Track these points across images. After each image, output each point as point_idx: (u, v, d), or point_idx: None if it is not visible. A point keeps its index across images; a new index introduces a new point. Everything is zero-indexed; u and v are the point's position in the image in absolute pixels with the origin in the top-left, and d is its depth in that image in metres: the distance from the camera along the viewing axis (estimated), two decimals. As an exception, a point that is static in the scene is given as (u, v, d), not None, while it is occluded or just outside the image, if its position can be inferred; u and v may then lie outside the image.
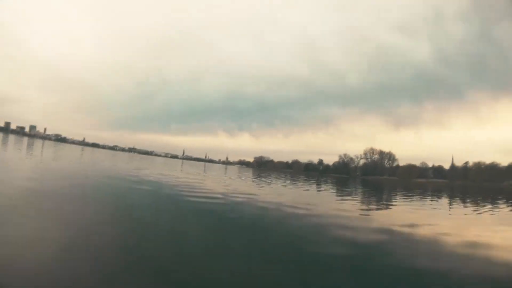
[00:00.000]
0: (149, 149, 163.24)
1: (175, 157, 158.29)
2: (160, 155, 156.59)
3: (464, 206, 14.93)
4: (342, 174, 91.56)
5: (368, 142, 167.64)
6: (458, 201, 18.75)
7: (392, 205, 14.72)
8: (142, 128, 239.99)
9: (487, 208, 13.49)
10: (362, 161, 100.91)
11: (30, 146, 41.39)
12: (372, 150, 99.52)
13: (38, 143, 60.67)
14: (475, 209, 13.14)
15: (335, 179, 50.86)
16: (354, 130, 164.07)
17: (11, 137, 66.87)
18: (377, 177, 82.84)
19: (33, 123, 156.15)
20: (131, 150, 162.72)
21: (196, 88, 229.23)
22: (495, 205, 15.07)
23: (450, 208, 13.87)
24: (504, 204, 15.56)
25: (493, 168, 73.89)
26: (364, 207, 12.87)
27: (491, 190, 36.59)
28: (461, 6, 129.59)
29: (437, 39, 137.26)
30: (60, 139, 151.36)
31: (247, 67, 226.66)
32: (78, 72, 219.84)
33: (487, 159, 77.64)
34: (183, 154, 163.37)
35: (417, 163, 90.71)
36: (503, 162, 74.06)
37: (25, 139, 79.85)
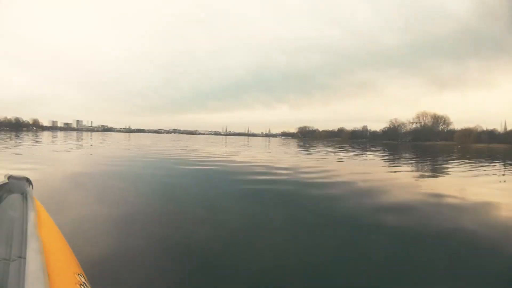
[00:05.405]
0: (192, 129, 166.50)
1: (218, 134, 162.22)
2: (203, 134, 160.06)
3: None
4: (391, 140, 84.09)
5: (410, 106, 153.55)
6: None
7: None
8: (181, 109, 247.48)
9: None
10: (414, 126, 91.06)
11: (87, 138, 40.81)
12: (425, 114, 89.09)
13: (87, 135, 61.46)
14: None
15: (385, 146, 45.26)
16: (394, 94, 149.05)
17: (60, 134, 68.39)
18: (433, 143, 73.31)
19: (76, 119, 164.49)
20: (175, 131, 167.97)
21: (224, 63, 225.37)
22: None
23: None
24: None
25: None
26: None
27: None
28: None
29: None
30: (106, 129, 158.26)
31: (270, 37, 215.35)
32: (110, 68, 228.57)
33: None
34: (226, 130, 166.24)
35: (468, 126, 77.86)
36: None
37: (74, 133, 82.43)
